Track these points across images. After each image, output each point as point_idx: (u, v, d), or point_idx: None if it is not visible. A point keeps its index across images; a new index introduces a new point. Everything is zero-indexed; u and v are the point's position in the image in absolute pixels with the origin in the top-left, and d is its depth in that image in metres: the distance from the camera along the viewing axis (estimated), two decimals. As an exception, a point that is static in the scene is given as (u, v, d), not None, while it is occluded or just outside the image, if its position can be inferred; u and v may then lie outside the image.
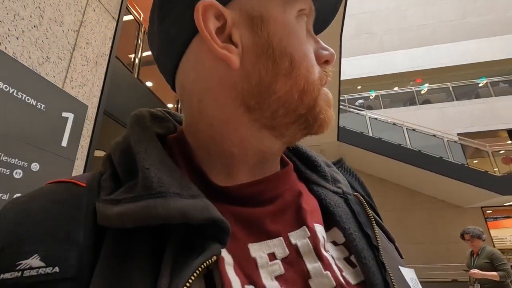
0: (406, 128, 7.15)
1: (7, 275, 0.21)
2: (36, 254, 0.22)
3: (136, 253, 0.23)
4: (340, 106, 6.59)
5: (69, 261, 0.22)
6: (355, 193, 0.37)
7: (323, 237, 0.30)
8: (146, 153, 0.27)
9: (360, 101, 9.51)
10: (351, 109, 7.93)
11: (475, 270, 2.99)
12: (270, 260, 0.27)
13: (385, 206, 7.07)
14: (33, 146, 0.78)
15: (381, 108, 9.28)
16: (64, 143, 0.90)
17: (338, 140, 6.55)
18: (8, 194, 0.72)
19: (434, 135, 7.22)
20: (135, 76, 2.26)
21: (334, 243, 0.31)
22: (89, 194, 0.27)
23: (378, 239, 0.31)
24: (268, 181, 0.31)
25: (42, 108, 0.82)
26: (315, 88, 0.29)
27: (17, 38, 0.77)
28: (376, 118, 7.43)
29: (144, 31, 2.47)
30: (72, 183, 0.28)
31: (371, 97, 9.84)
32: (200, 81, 0.30)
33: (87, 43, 1.03)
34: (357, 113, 7.64)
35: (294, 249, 0.28)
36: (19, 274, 0.21)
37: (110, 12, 1.20)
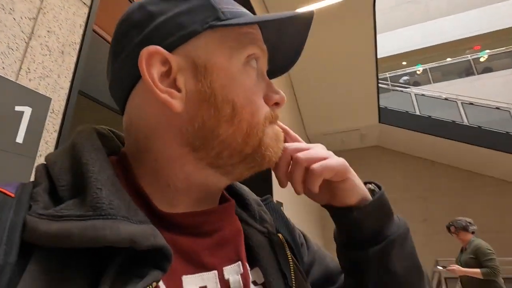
0: (462, 103, 6.25)
1: None
2: None
3: (68, 275, 0.22)
4: (381, 86, 6.00)
5: None
6: (279, 233, 0.38)
7: (250, 276, 0.32)
8: (99, 174, 0.26)
9: (405, 77, 8.61)
10: (395, 88, 7.19)
11: (454, 267, 2.50)
12: None
13: (438, 191, 6.33)
14: (-23, 144, 0.72)
15: (430, 83, 8.31)
16: (19, 139, 0.83)
17: (379, 122, 6.00)
18: None
19: (498, 108, 6.22)
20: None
21: (255, 283, 0.33)
22: (17, 206, 0.24)
23: (293, 280, 0.33)
24: (210, 213, 0.32)
25: (-14, 103, 0.75)
26: (259, 129, 0.31)
27: (-51, 28, 0.70)
28: (423, 95, 6.63)
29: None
30: None
31: (418, 72, 8.86)
32: (146, 119, 0.31)
33: (48, 31, 0.95)
34: (401, 91, 6.90)
35: (225, 285, 0.30)
36: None
37: (80, -2, 1.11)
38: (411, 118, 6.06)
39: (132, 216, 0.24)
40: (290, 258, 0.35)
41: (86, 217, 0.22)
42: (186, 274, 0.28)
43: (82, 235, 0.21)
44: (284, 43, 0.36)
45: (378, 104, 5.70)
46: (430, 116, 6.00)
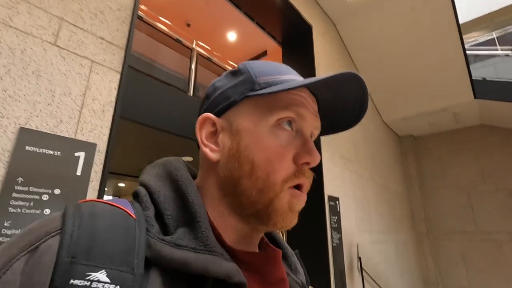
0: None
1: (77, 282, 0.24)
2: (103, 270, 0.25)
3: None
4: (476, 52, 4.96)
5: (128, 284, 0.25)
6: (310, 287, 0.45)
7: None
8: (201, 213, 0.33)
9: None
10: (500, 51, 5.78)
11: None
12: None
13: None
14: (55, 178, 1.28)
15: None
16: (78, 172, 1.37)
17: (475, 98, 5.00)
18: (40, 210, 1.23)
19: None
20: (191, 95, 2.72)
21: None
22: (140, 227, 0.30)
23: None
24: (263, 256, 0.38)
25: (58, 154, 1.31)
26: (272, 190, 0.34)
27: (37, 116, 1.28)
28: (542, 55, 5.12)
29: (198, 55, 2.91)
30: (124, 211, 0.31)
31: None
32: (202, 163, 0.40)
33: (93, 99, 1.48)
34: (507, 55, 5.50)
35: None
36: (88, 283, 0.24)
37: (114, 69, 1.62)
38: (523, 88, 4.82)
39: (223, 253, 0.31)
40: None
41: (199, 250, 0.29)
42: None
43: (197, 265, 0.28)
44: (343, 100, 0.39)
45: (470, 77, 4.78)
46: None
